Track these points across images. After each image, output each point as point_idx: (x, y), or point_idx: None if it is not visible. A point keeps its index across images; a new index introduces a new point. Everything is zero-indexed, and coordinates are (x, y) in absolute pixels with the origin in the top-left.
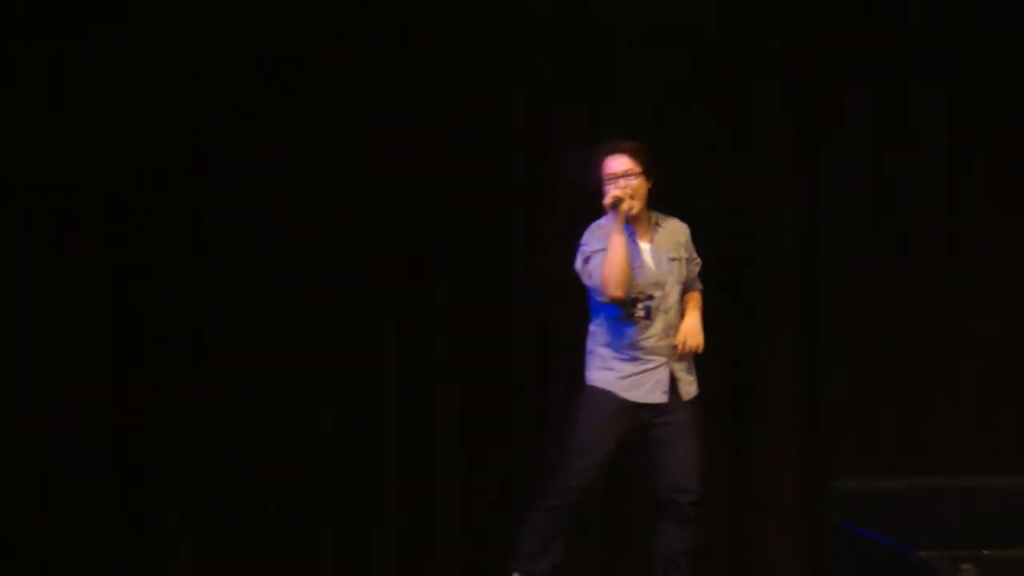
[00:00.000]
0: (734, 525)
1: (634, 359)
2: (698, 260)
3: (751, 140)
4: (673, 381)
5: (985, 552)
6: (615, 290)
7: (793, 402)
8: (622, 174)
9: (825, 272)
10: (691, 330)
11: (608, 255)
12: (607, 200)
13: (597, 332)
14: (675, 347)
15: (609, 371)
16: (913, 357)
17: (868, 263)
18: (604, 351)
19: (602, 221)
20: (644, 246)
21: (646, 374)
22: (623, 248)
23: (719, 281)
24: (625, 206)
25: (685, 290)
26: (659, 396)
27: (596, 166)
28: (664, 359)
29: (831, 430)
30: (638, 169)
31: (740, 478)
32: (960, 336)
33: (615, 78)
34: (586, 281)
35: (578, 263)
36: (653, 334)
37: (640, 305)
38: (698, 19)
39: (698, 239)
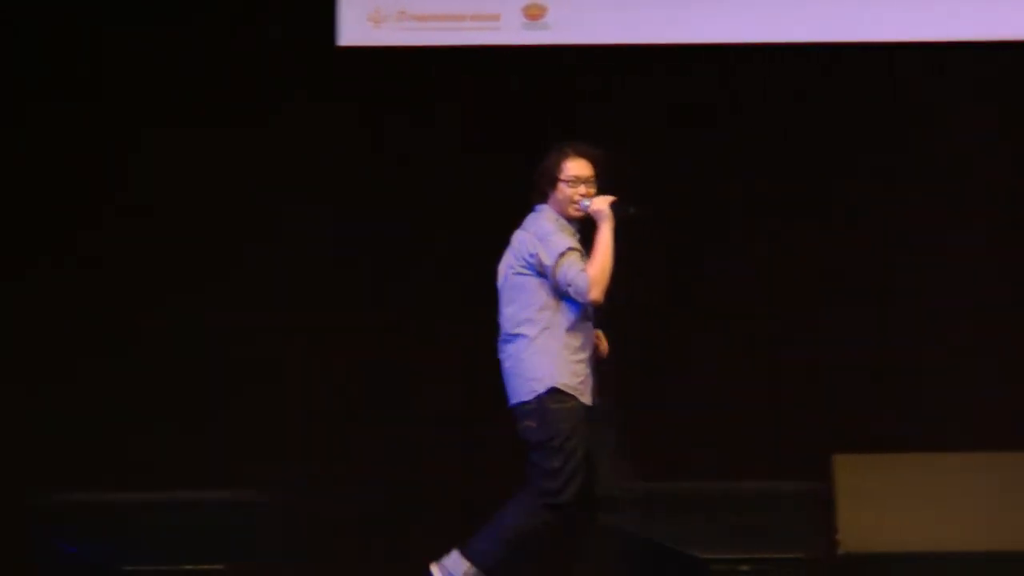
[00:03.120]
0: None
1: (586, 362)
2: None
3: None
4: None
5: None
6: (599, 293)
7: None
8: (585, 179)
9: None
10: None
11: (602, 258)
12: (604, 203)
13: (553, 330)
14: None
15: (573, 375)
16: None
17: None
18: (564, 351)
19: (550, 216)
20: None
21: (589, 377)
22: (613, 251)
23: None
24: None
25: None
26: (594, 399)
27: (554, 166)
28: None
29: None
30: (593, 175)
31: None
32: None
33: None
34: (561, 278)
35: (548, 258)
36: (590, 337)
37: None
38: None
39: None
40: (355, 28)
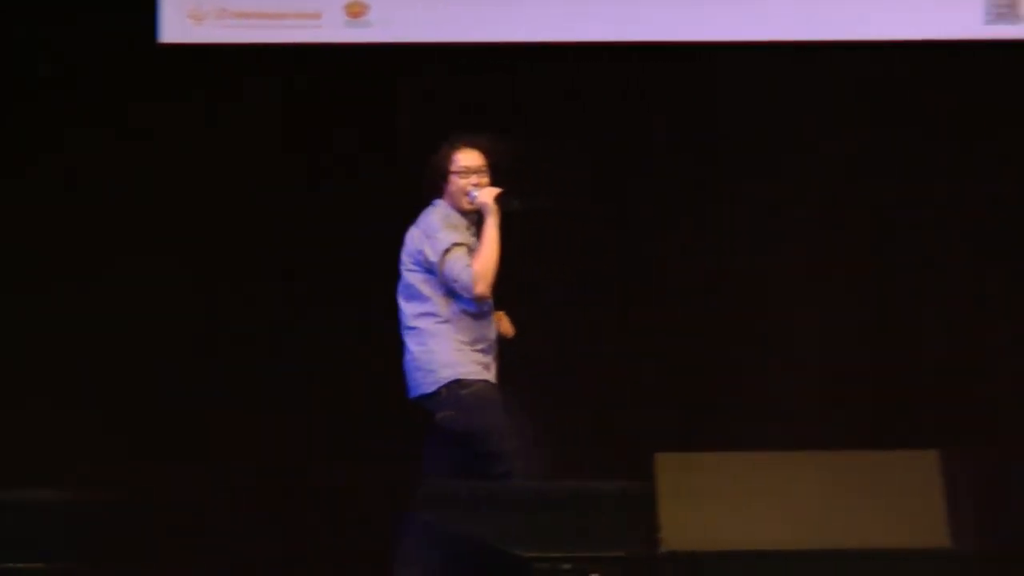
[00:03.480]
0: None
1: (487, 350)
2: None
3: None
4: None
5: None
6: (485, 288)
7: None
8: (476, 169)
9: None
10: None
11: (488, 252)
12: (490, 195)
13: (451, 323)
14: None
15: (474, 364)
16: None
17: None
18: (464, 343)
19: (440, 211)
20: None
21: (493, 363)
22: (499, 246)
23: None
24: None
25: None
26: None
27: (444, 158)
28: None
29: None
30: (485, 164)
31: None
32: None
33: None
34: (447, 273)
35: (433, 255)
36: (490, 325)
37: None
38: None
39: None
40: (176, 25)
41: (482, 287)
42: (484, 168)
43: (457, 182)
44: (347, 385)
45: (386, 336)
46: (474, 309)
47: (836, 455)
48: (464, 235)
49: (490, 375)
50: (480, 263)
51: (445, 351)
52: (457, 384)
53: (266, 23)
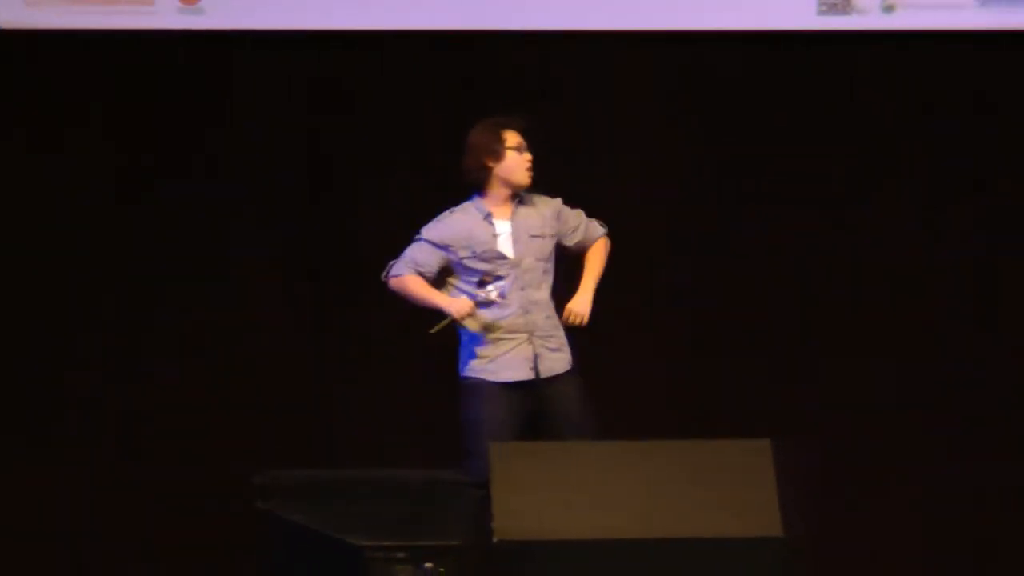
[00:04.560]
0: None
1: (495, 341)
2: (579, 225)
3: None
4: (536, 357)
5: None
6: (390, 283)
7: None
8: (526, 147)
9: None
10: (579, 304)
11: (421, 298)
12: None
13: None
14: (564, 319)
15: (474, 358)
16: None
17: None
18: (466, 338)
19: (462, 206)
20: (502, 226)
21: (509, 354)
22: (424, 305)
23: None
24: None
25: (581, 251)
26: (526, 373)
27: (496, 138)
28: (525, 335)
29: None
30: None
31: None
32: None
33: None
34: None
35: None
36: (510, 313)
37: (491, 287)
38: None
39: None
40: (10, 8)
41: (390, 283)
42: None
43: (516, 157)
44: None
45: None
46: (474, 299)
47: (669, 444)
48: (463, 240)
49: (497, 368)
50: (407, 284)
51: (460, 347)
52: (461, 383)
53: (100, 8)
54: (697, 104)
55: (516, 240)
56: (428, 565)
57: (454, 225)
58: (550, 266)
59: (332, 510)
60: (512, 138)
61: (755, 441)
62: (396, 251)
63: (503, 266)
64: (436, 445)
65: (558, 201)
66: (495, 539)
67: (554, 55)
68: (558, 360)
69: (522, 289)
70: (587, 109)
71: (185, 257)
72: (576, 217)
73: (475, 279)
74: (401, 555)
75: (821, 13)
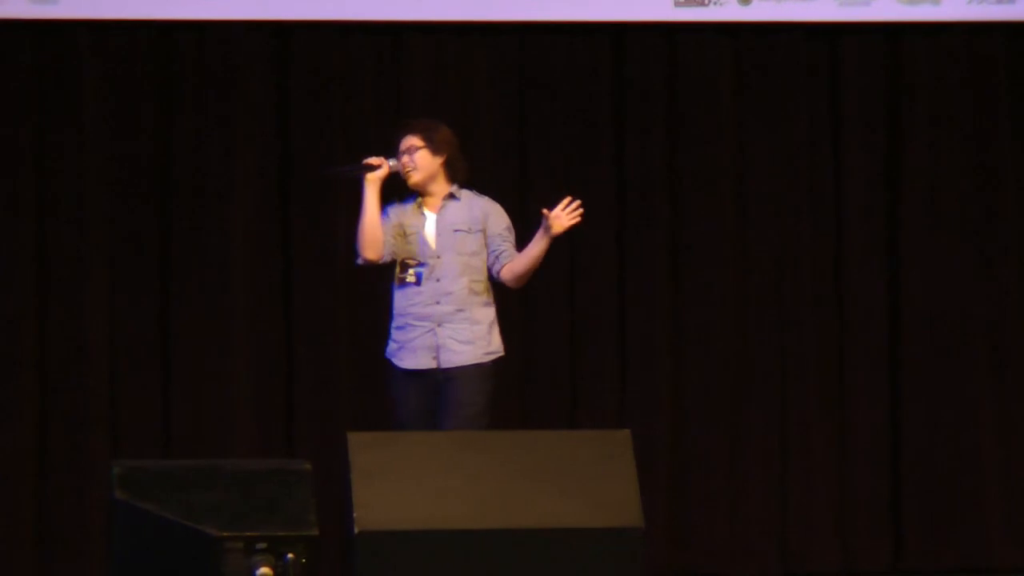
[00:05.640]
0: None
1: (404, 326)
2: (501, 250)
3: None
4: (439, 348)
5: None
6: (366, 251)
7: None
8: (405, 150)
9: None
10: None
11: (360, 218)
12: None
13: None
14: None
15: (391, 341)
16: None
17: None
18: (391, 323)
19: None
20: (430, 216)
21: (415, 342)
22: (370, 212)
23: None
24: (381, 173)
25: (493, 263)
26: (428, 362)
27: (395, 145)
28: (432, 325)
29: None
30: (421, 144)
31: None
32: None
33: None
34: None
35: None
36: (420, 300)
37: (411, 270)
38: None
39: None
40: None
41: (364, 251)
42: (412, 147)
43: (404, 159)
44: None
45: None
46: (392, 282)
47: (529, 434)
48: (401, 223)
49: (404, 355)
50: (358, 229)
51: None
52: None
53: None
54: (547, 95)
55: (440, 232)
56: (290, 556)
57: (401, 208)
58: (475, 261)
59: (190, 500)
60: (399, 144)
61: (615, 431)
62: None
63: (424, 255)
64: None
65: (497, 207)
66: (357, 529)
67: (403, 45)
68: (464, 353)
69: (437, 280)
70: (433, 102)
71: None
72: (501, 241)
73: (403, 258)
74: (262, 546)
75: (678, 4)
